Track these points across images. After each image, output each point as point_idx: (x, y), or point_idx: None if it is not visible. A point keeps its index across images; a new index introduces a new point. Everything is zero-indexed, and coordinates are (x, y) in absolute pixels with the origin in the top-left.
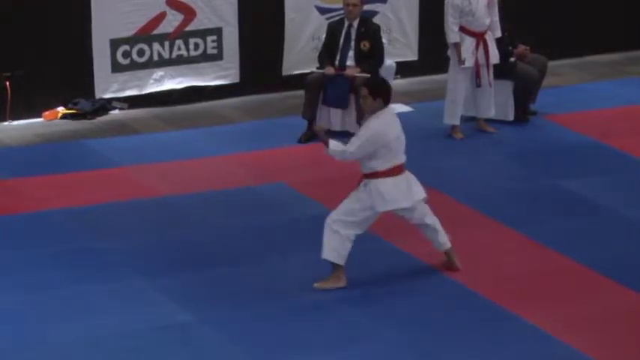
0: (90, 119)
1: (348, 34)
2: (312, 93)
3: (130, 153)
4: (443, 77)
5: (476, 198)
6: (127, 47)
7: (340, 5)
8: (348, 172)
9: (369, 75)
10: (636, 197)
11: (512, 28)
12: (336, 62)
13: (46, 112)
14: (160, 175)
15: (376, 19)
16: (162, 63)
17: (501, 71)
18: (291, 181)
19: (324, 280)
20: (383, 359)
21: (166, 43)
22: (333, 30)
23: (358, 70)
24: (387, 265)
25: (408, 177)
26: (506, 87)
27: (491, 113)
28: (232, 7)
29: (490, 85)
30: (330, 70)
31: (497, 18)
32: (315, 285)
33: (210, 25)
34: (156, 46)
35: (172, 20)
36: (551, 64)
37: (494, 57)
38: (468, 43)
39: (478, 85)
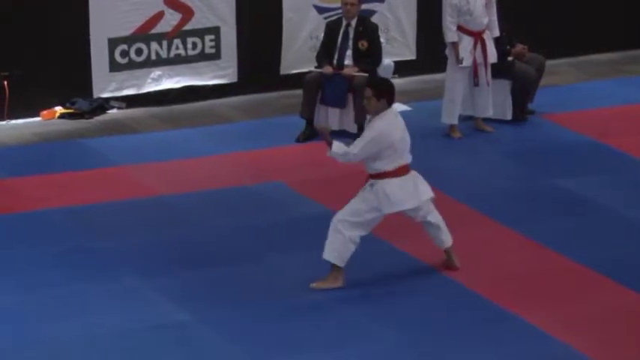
0: (88, 118)
1: (346, 33)
2: (310, 92)
3: (128, 152)
4: (441, 76)
5: (474, 197)
6: (124, 46)
7: (338, 4)
8: (347, 171)
9: (367, 74)
10: (635, 196)
11: (511, 28)
12: (334, 61)
13: (44, 112)
14: (158, 174)
15: (374, 19)
16: (160, 62)
17: (499, 70)
18: (289, 180)
19: (322, 280)
20: (382, 359)
21: (164, 43)
22: (331, 29)
23: (356, 69)
24: (387, 264)
25: (414, 177)
26: (504, 86)
27: (489, 112)
28: (230, 6)
29: (488, 85)
30: (328, 70)
31: (495, 17)
32: (313, 285)
33: (208, 25)
34: (154, 45)
35: (170, 19)
36: (549, 63)
37: (492, 56)
38: (466, 43)
39: (476, 85)
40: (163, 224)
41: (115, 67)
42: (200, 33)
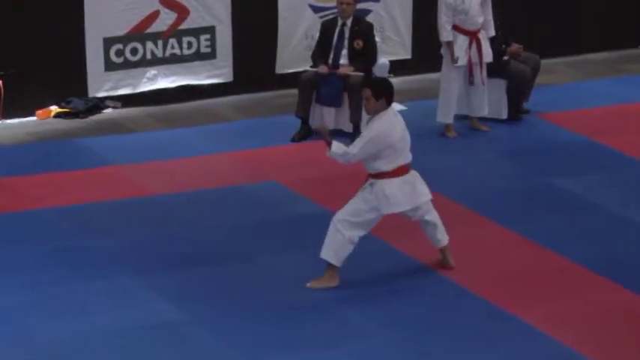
0: (83, 118)
1: (341, 32)
2: (306, 92)
3: (124, 152)
4: (436, 76)
5: (469, 196)
6: (120, 46)
7: (334, 4)
8: (342, 171)
9: (362, 74)
10: (630, 195)
11: (503, 17)
12: (330, 61)
13: (39, 111)
14: (154, 173)
15: (369, 18)
16: (156, 62)
17: (495, 70)
18: (285, 179)
19: (318, 279)
20: (378, 358)
21: (160, 42)
22: (327, 29)
23: (351, 68)
24: (383, 263)
25: (414, 177)
26: (500, 85)
27: (485, 112)
28: (225, 5)
29: (483, 84)
30: (323, 69)
31: (490, 17)
32: (308, 284)
33: (204, 24)
34: (149, 44)
35: (166, 19)
36: (545, 62)
37: (488, 55)
38: (461, 42)
39: (471, 84)
40: (159, 223)
41: (110, 66)
42: (195, 32)
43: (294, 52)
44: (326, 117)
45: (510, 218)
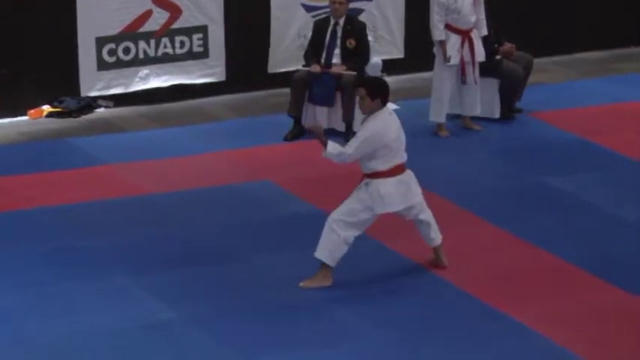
0: (75, 117)
1: (334, 32)
2: (298, 91)
3: (116, 151)
4: (429, 75)
5: (462, 196)
6: (112, 45)
7: (326, 3)
8: (335, 170)
9: (355, 73)
10: (623, 194)
11: (498, 27)
12: (322, 60)
13: (32, 111)
14: (146, 173)
15: (362, 17)
16: (148, 61)
17: (487, 69)
18: (277, 178)
19: (311, 279)
20: (372, 357)
21: (152, 41)
22: (319, 28)
23: (344, 68)
24: (376, 263)
25: (409, 177)
26: (492, 85)
27: (477, 111)
28: (218, 5)
29: (476, 83)
30: (316, 68)
31: (483, 16)
32: (301, 284)
33: (196, 23)
34: (142, 44)
35: (158, 18)
36: (537, 61)
37: (480, 55)
38: (454, 41)
39: (463, 83)
40: (152, 223)
41: (102, 65)
42: (188, 32)
43: (286, 51)
44: (318, 116)
45: (503, 217)
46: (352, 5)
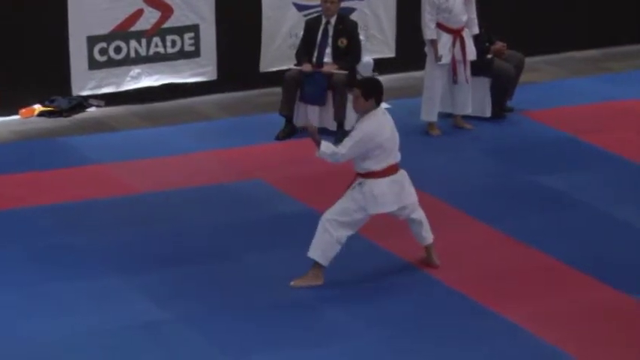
0: (66, 117)
1: (325, 31)
2: (290, 90)
3: (107, 150)
4: (420, 74)
5: (453, 195)
6: (104, 44)
7: (318, 2)
8: (327, 169)
9: (346, 72)
10: (614, 193)
11: (488, 25)
12: (314, 59)
13: (23, 110)
14: (138, 172)
15: (354, 16)
16: (140, 60)
17: (478, 68)
18: (269, 178)
19: (302, 278)
20: (364, 356)
21: (143, 41)
22: (311, 27)
23: (336, 67)
24: (368, 262)
25: (402, 177)
26: (484, 83)
27: (469, 110)
28: (209, 4)
29: (467, 82)
30: (307, 67)
31: (474, 15)
32: (292, 283)
33: (188, 22)
34: (133, 43)
35: (149, 17)
36: (528, 60)
37: (471, 54)
38: (445, 40)
39: (455, 82)
40: (143, 222)
41: (93, 65)
42: (179, 31)
43: (278, 50)
44: (310, 115)
45: (494, 216)
46: (344, 4)
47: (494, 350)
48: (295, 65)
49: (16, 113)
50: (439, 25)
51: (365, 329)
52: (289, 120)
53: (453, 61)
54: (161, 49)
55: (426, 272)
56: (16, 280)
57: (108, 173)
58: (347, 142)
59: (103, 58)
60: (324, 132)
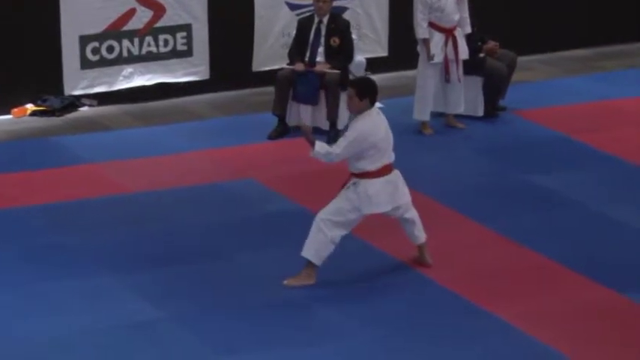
0: (59, 116)
1: (317, 30)
2: (282, 89)
3: (100, 150)
4: (413, 73)
5: (446, 194)
6: (96, 44)
7: (310, 2)
8: (319, 168)
9: (339, 71)
10: (606, 192)
11: (480, 24)
12: (306, 58)
13: (15, 109)
14: (130, 171)
15: (346, 15)
16: (132, 59)
17: (471, 67)
18: (261, 177)
19: (295, 277)
20: (357, 356)
21: (136, 40)
22: (303, 26)
23: (328, 66)
24: (362, 262)
25: (396, 177)
26: (476, 83)
27: (461, 109)
28: (202, 3)
29: (460, 81)
30: (300, 67)
31: (467, 14)
32: (285, 282)
33: (180, 22)
34: (125, 42)
35: (142, 16)
36: (521, 59)
37: (464, 53)
38: (437, 39)
39: (447, 81)
40: (135, 222)
41: (86, 64)
42: (172, 30)
43: (270, 49)
44: (303, 115)
45: (487, 215)
46: (336, 3)
47: (487, 349)
48: (288, 64)
49: (9, 113)
50: (431, 24)
51: (358, 328)
52: (282, 119)
53: (446, 60)
54: (154, 49)
55: (418, 271)
56: (8, 280)
57: (100, 173)
58: (341, 142)
59: (96, 58)
60: (316, 131)
